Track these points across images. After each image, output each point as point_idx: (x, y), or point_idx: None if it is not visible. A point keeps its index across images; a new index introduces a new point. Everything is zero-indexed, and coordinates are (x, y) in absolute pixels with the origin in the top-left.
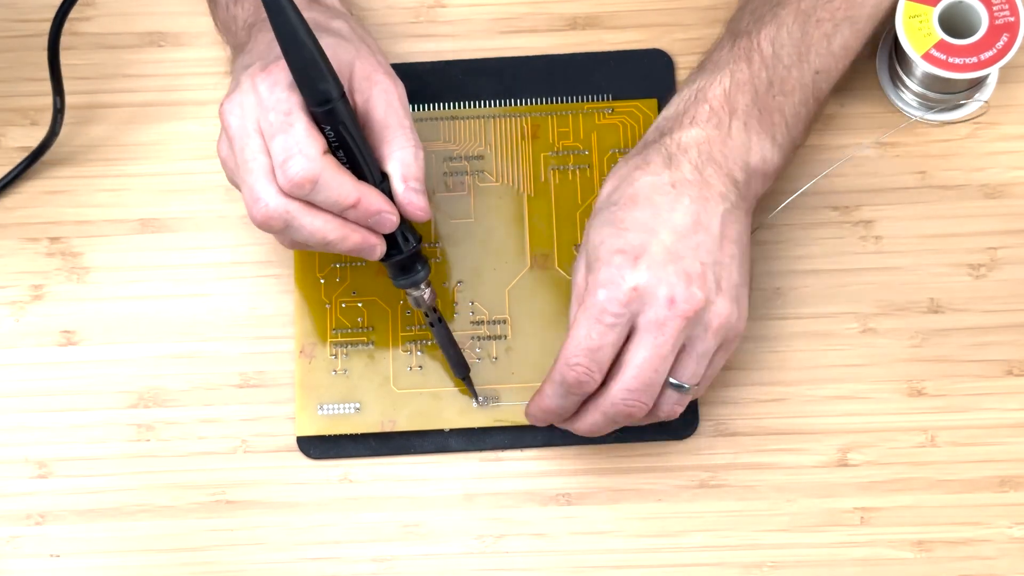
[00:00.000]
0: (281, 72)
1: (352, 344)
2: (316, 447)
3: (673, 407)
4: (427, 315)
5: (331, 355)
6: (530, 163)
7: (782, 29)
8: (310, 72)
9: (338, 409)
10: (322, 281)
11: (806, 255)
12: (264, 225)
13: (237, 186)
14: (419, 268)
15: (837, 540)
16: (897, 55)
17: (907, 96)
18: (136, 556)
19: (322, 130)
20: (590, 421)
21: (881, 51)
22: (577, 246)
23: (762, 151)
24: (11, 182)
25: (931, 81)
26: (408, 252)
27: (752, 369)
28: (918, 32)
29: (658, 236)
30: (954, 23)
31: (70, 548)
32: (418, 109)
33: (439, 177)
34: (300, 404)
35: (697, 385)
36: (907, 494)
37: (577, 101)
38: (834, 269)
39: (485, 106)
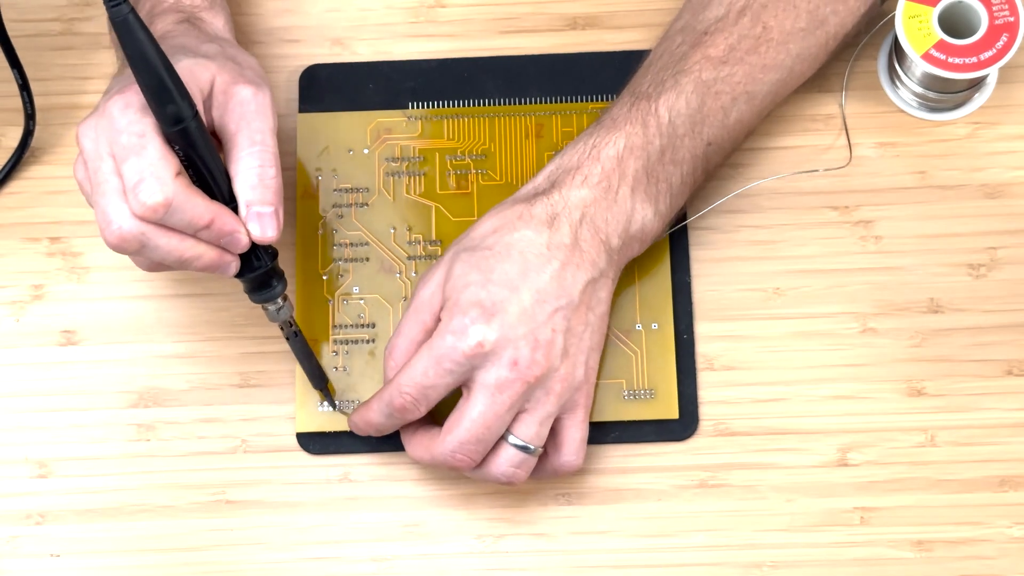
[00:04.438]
0: (134, 95)
1: (353, 341)
2: (316, 443)
3: (514, 469)
4: (283, 328)
5: (332, 352)
6: (533, 162)
7: (680, 97)
8: (160, 93)
9: (341, 405)
10: (324, 277)
11: (806, 255)
12: (119, 248)
13: (93, 209)
14: (275, 284)
15: (837, 540)
16: (897, 55)
17: (907, 96)
18: (136, 556)
19: (175, 150)
20: (417, 456)
21: (881, 51)
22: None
23: (643, 220)
24: (3, 181)
25: (931, 81)
26: (261, 270)
27: (752, 369)
28: (918, 32)
29: (519, 295)
30: (954, 23)
31: (70, 548)
32: (422, 106)
33: (442, 175)
34: (300, 400)
35: (543, 448)
36: (907, 494)
37: (581, 101)
38: (834, 269)
39: (489, 104)
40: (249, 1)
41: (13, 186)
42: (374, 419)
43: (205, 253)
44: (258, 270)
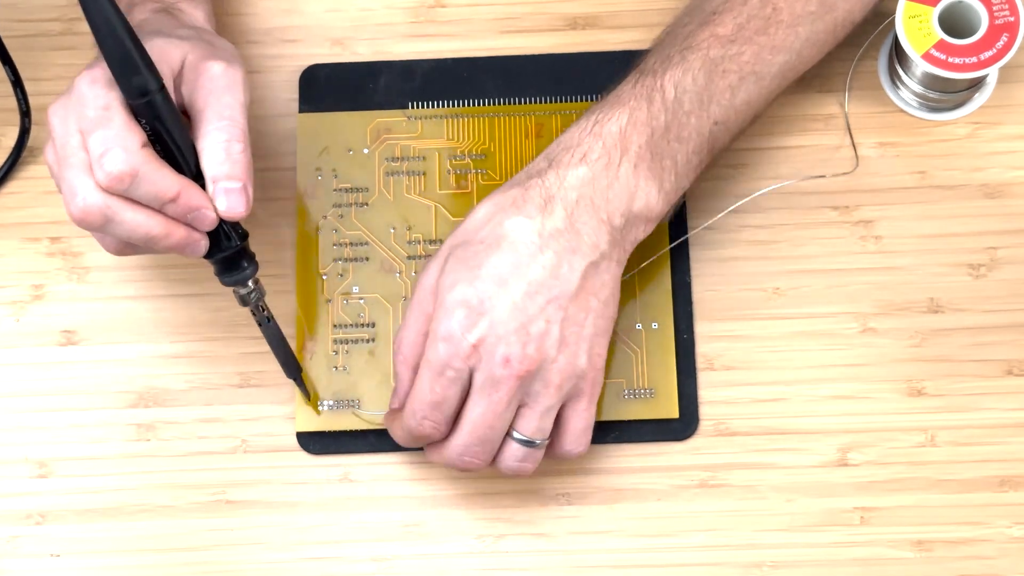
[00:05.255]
0: (101, 70)
1: (353, 341)
2: (316, 443)
3: (519, 463)
4: (254, 313)
5: (332, 351)
6: None
7: (687, 74)
8: (124, 63)
9: (340, 405)
10: (324, 277)
11: (806, 255)
12: (83, 222)
13: (59, 187)
14: (245, 265)
15: (837, 540)
16: (897, 55)
17: (907, 96)
18: (136, 556)
19: (141, 124)
20: (433, 459)
21: (881, 51)
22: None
23: (647, 197)
24: (2, 181)
25: (931, 81)
26: (230, 250)
27: (752, 369)
28: (918, 32)
29: (508, 289)
30: (954, 23)
31: (70, 548)
32: (422, 106)
33: (442, 175)
34: (300, 400)
35: (548, 440)
36: (907, 494)
37: (581, 100)
38: (834, 269)
39: (489, 104)
40: (249, 1)
41: (12, 186)
42: (401, 439)
43: (173, 231)
44: (227, 250)
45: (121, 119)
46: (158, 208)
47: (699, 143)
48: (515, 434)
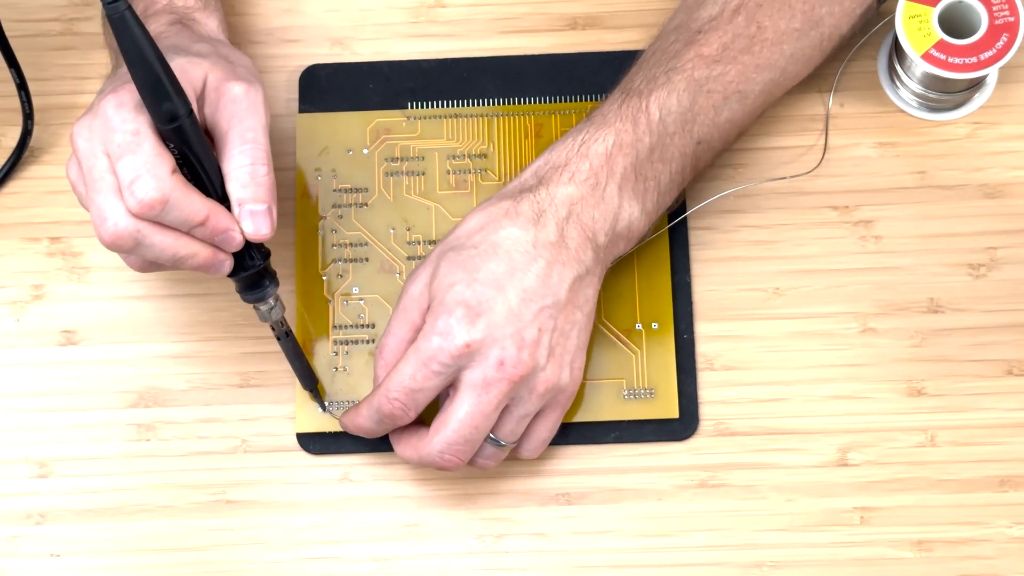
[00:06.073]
0: (128, 94)
1: (353, 341)
2: (316, 443)
3: (482, 460)
4: (273, 328)
5: (332, 352)
6: None
7: (672, 95)
8: (155, 90)
9: (338, 406)
10: (324, 277)
11: (806, 255)
12: (113, 245)
13: (87, 208)
14: (266, 284)
15: (837, 540)
16: (897, 55)
17: (907, 96)
18: (136, 556)
19: (169, 148)
20: (406, 456)
21: (881, 51)
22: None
23: (630, 218)
24: (3, 181)
25: (931, 81)
26: (253, 270)
27: (752, 369)
28: (918, 32)
29: (505, 294)
30: (954, 23)
31: (70, 548)
32: (421, 106)
33: (442, 175)
34: (300, 400)
35: (516, 443)
36: (907, 494)
37: (581, 100)
38: (834, 269)
39: (489, 104)
40: (249, 1)
41: (13, 186)
42: (364, 424)
43: (200, 251)
44: (251, 269)
45: (151, 145)
46: (186, 231)
47: (682, 163)
48: (489, 434)
